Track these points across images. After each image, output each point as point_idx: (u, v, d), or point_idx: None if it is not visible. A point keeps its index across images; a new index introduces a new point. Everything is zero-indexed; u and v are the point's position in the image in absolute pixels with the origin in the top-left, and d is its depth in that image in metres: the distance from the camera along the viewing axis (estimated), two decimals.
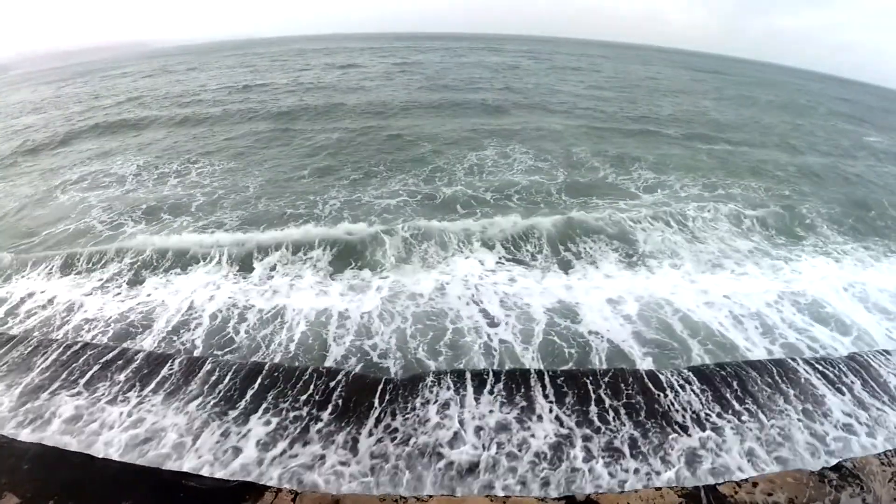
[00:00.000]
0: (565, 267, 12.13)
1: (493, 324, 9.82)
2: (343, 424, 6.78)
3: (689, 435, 6.89)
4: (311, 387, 7.47)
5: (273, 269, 11.74)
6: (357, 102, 31.84)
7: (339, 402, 7.20)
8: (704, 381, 8.02)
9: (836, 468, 5.70)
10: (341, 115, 28.58)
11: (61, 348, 8.42)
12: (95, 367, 7.95)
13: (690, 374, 8.20)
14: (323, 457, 6.12)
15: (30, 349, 8.43)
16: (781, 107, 44.21)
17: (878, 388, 8.17)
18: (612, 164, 20.48)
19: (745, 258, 13.16)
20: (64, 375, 7.78)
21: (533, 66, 60.53)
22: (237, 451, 6.21)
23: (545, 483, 5.93)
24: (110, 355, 8.23)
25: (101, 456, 5.61)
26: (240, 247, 12.41)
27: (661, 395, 7.72)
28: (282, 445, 6.30)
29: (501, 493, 5.30)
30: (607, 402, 7.45)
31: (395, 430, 6.74)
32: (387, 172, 18.72)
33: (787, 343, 9.65)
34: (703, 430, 7.04)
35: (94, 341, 8.85)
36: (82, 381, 7.63)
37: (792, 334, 9.92)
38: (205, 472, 5.39)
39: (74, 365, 8.04)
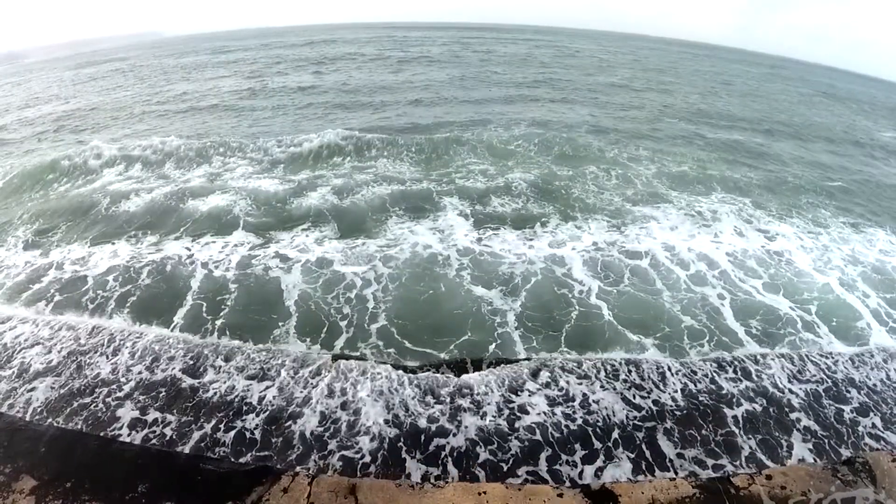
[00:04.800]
0: None
1: None
2: None
3: (702, 426, 6.89)
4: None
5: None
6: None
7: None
8: (707, 372, 8.05)
9: (849, 463, 5.68)
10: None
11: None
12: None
13: (693, 365, 8.28)
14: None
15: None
16: (795, 100, 43.97)
17: (889, 385, 8.13)
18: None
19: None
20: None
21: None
22: None
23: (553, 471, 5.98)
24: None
25: (118, 439, 5.65)
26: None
27: (671, 386, 7.76)
28: None
29: (518, 481, 5.32)
30: (614, 390, 7.49)
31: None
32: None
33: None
34: (713, 421, 7.04)
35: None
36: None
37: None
38: (223, 455, 5.44)
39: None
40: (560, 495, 4.19)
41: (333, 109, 26.96)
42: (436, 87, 33.26)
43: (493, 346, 8.71)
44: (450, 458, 6.06)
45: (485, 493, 4.07)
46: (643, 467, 6.15)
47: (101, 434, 5.93)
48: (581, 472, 5.99)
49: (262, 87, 33.95)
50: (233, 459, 5.36)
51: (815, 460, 6.49)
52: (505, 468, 5.94)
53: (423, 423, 6.75)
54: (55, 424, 6.10)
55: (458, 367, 8.03)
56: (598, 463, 6.17)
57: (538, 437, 6.65)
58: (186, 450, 5.80)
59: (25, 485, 4.68)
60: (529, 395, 7.35)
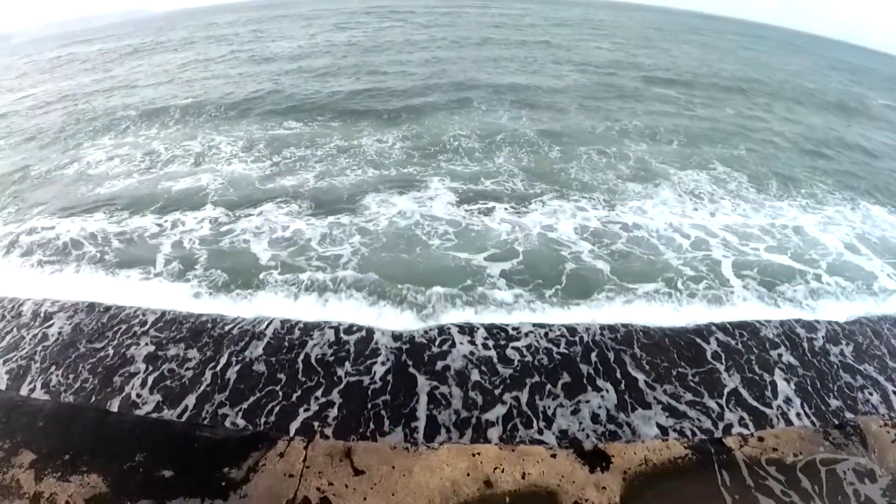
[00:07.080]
0: None
1: None
2: None
3: (694, 388, 6.99)
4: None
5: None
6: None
7: None
8: (700, 337, 8.14)
9: (840, 427, 5.76)
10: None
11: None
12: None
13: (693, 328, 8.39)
14: None
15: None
16: (794, 70, 43.55)
17: (884, 351, 8.21)
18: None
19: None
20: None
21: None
22: None
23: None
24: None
25: (115, 411, 5.71)
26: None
27: (673, 349, 7.90)
28: None
29: (511, 443, 5.40)
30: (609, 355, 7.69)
31: None
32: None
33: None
34: (706, 384, 7.14)
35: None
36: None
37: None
38: (218, 422, 5.52)
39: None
40: (553, 455, 4.25)
41: (322, 77, 26.56)
42: (426, 56, 32.71)
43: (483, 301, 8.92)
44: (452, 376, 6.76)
45: (479, 454, 4.13)
46: (627, 399, 6.57)
47: (104, 397, 6.04)
48: (559, 404, 6.50)
49: (252, 56, 33.51)
50: (229, 426, 5.42)
51: (805, 414, 6.64)
52: (497, 393, 6.54)
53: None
54: (54, 399, 6.16)
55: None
56: (580, 396, 6.66)
57: (528, 358, 7.25)
58: (199, 389, 6.09)
59: (24, 459, 4.73)
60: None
